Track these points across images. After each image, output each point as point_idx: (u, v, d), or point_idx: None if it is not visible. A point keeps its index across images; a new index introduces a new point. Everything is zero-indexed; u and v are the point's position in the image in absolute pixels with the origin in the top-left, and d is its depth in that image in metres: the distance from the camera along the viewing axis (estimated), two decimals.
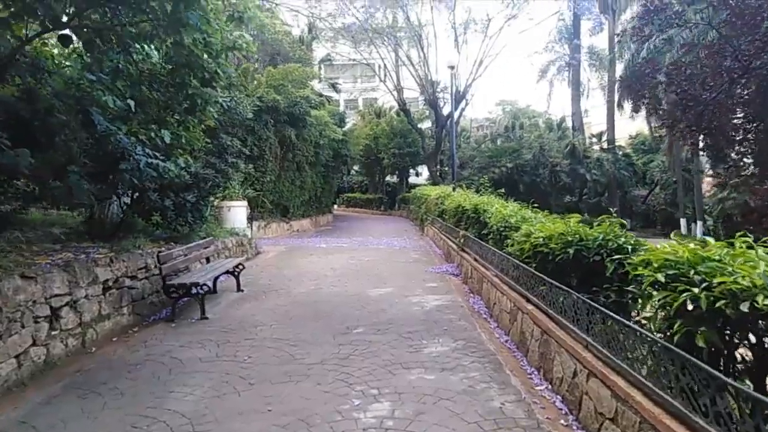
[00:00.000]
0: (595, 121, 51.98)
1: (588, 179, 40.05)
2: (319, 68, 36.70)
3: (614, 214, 5.69)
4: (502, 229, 8.42)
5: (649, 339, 3.37)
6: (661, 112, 21.13)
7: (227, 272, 9.29)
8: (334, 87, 36.04)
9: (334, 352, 5.82)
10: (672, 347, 3.06)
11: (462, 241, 11.13)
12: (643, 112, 45.95)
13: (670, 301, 3.20)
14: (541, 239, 5.80)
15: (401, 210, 37.45)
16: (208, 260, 9.46)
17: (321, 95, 31.83)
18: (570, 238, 5.10)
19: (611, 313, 3.86)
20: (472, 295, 8.98)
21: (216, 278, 9.25)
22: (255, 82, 22.16)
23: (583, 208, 42.89)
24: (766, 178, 15.06)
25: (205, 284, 7.57)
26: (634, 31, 19.30)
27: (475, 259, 9.57)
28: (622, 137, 46.19)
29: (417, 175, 49.77)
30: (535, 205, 9.86)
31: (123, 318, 7.31)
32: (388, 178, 46.92)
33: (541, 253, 5.82)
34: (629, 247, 4.71)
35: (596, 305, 4.13)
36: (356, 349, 5.90)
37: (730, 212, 31.08)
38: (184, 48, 6.49)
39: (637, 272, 3.83)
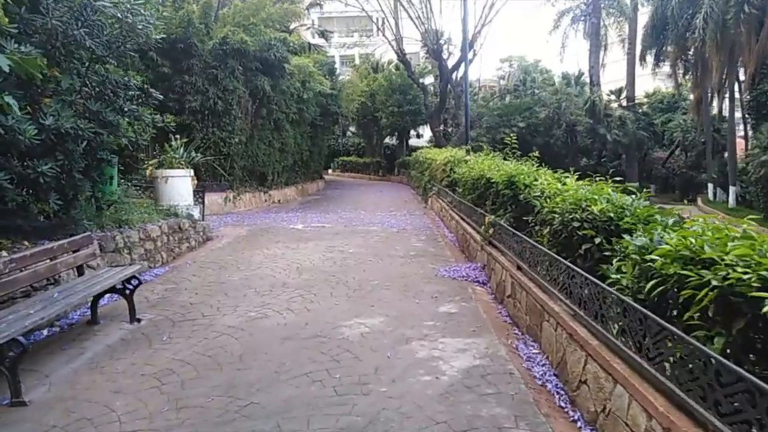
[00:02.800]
0: (610, 78, 47.51)
1: (608, 140, 36.07)
2: (307, 12, 32.13)
3: None
4: (577, 223, 4.70)
5: None
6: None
7: (114, 291, 5.61)
8: (323, 35, 31.56)
9: None
10: None
11: (490, 231, 7.40)
12: (665, 67, 41.91)
13: None
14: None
15: (401, 175, 33.60)
16: (80, 271, 5.75)
17: (311, 45, 27.67)
18: None
19: None
20: (517, 332, 5.32)
21: (96, 299, 5.61)
22: (220, 22, 17.99)
23: (602, 173, 39.11)
24: None
25: (12, 340, 3.87)
26: None
27: (519, 268, 5.86)
28: (638, 96, 42.08)
29: (418, 136, 45.62)
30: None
31: None
32: (386, 140, 42.80)
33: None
34: None
35: None
36: None
37: None
38: None
39: None
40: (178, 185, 10.68)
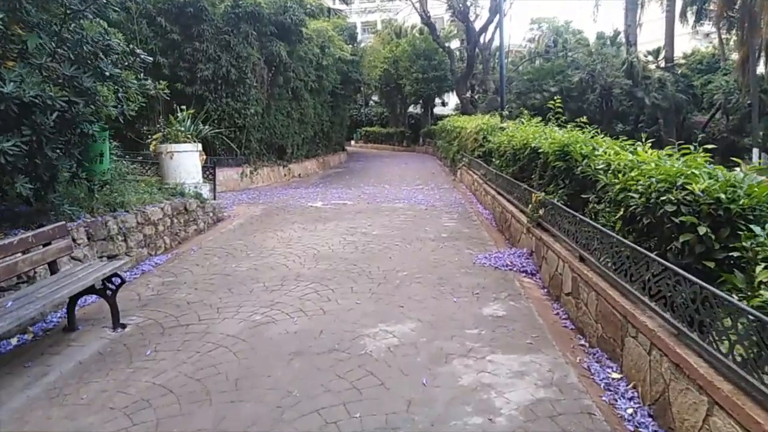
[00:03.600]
0: (646, 39, 44.81)
1: (647, 103, 33.99)
2: None
3: None
4: (671, 207, 3.56)
5: None
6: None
7: (91, 292, 4.69)
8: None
9: None
10: None
11: (539, 212, 6.24)
12: (704, 26, 39.27)
13: None
14: None
15: (426, 145, 32.30)
16: (53, 267, 4.83)
17: (330, 9, 26.34)
18: None
19: None
20: (584, 342, 4.23)
21: (73, 300, 4.70)
22: None
23: (639, 139, 36.93)
24: None
25: None
26: None
27: (582, 259, 4.75)
28: (675, 57, 39.55)
29: (443, 104, 43.96)
30: None
31: None
32: (410, 109, 41.30)
33: None
34: None
35: None
36: None
37: None
38: None
39: None
40: (185, 161, 9.73)
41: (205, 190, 9.96)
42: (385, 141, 39.63)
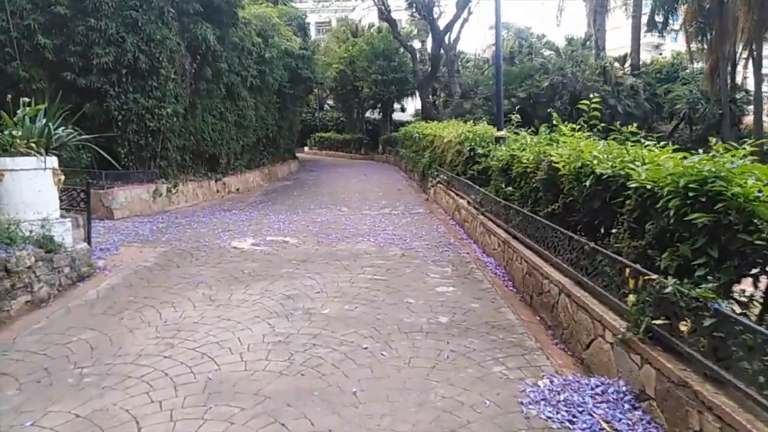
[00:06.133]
0: (609, 46, 43.39)
1: (619, 111, 32.08)
2: None
3: None
4: None
5: None
6: None
7: None
8: None
9: None
10: None
11: (682, 327, 3.04)
12: (662, 36, 38.22)
13: None
14: None
15: (387, 154, 29.08)
16: None
17: None
18: None
19: None
20: None
21: None
22: None
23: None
24: None
25: None
26: None
27: None
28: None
29: (402, 110, 40.87)
30: None
31: None
32: (368, 114, 37.99)
33: None
34: None
35: None
36: None
37: None
38: None
39: None
40: (24, 184, 6.12)
41: (61, 230, 6.33)
42: (341, 148, 36.19)
